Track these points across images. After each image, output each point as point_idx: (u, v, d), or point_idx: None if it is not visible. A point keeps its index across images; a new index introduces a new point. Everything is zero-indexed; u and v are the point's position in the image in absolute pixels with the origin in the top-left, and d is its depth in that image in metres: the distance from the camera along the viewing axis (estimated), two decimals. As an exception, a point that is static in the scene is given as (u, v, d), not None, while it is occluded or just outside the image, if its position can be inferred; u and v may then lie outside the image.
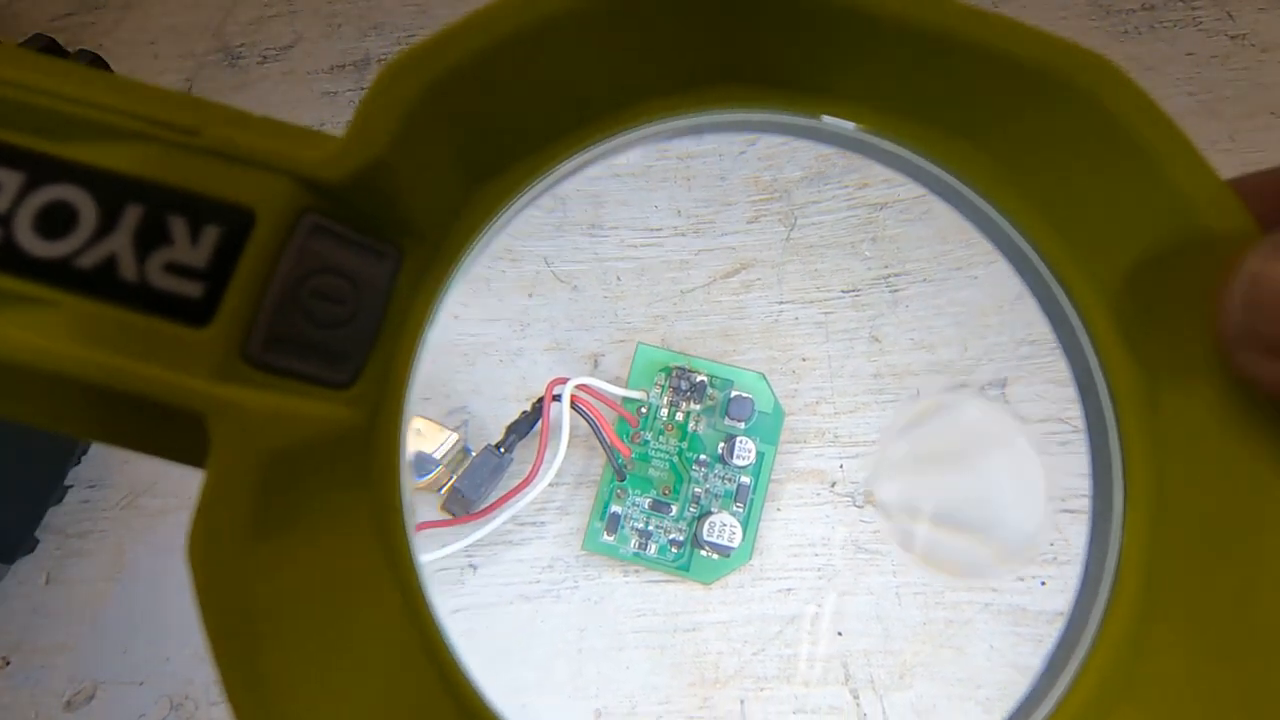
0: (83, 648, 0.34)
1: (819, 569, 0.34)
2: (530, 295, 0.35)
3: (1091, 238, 0.12)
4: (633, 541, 0.33)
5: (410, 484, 0.12)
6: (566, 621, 0.33)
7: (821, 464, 0.35)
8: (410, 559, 0.12)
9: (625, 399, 0.33)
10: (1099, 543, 0.12)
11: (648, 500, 0.33)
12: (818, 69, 0.13)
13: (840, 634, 0.33)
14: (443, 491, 0.31)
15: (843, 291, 0.38)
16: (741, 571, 0.33)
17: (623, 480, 0.33)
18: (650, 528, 0.33)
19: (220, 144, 0.10)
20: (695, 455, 0.33)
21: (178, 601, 0.34)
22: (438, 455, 0.31)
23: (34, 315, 0.10)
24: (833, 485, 0.35)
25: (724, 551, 0.33)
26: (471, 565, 0.33)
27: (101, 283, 0.10)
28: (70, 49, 0.38)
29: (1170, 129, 0.12)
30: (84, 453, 0.36)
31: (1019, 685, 0.12)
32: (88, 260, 0.10)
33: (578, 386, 0.31)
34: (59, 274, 0.10)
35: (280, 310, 0.10)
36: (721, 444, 0.33)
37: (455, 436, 0.31)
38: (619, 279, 0.36)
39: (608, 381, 0.33)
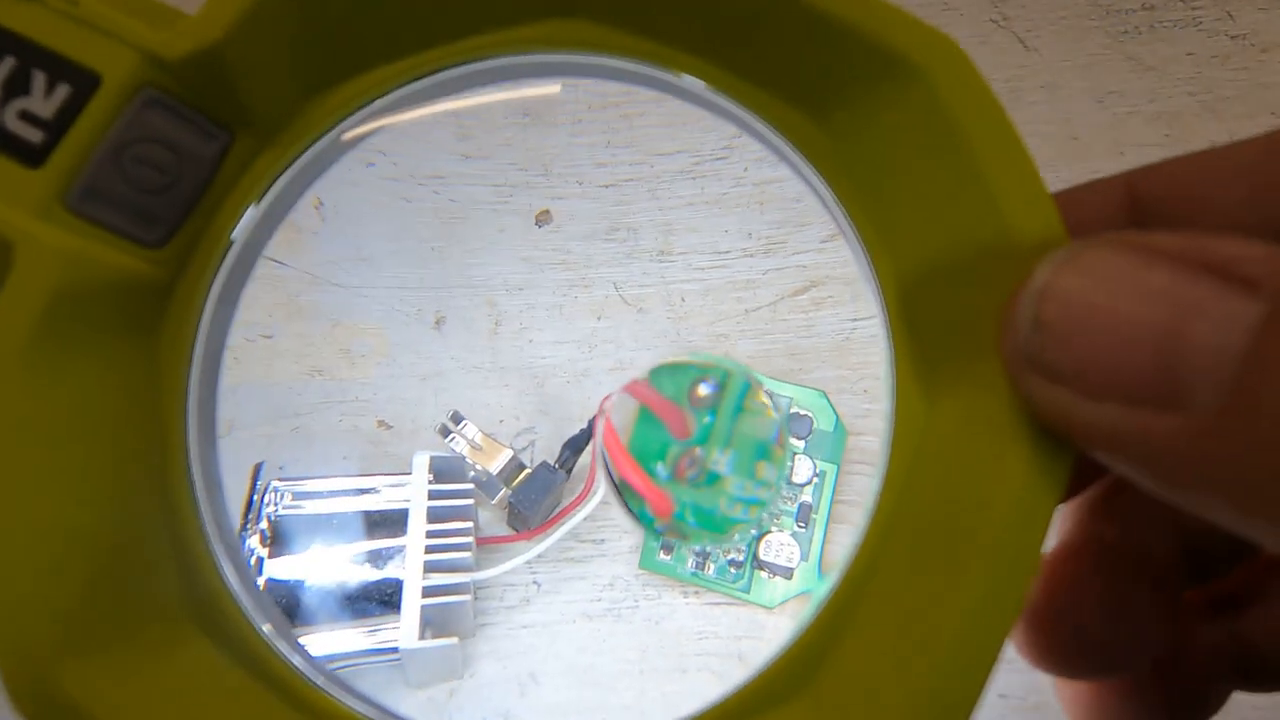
0: None
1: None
2: (599, 318, 0.36)
3: (902, 230, 0.11)
4: (689, 561, 0.31)
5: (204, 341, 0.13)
6: (629, 641, 0.32)
7: (893, 486, 0.32)
8: (183, 403, 0.12)
9: (685, 417, 0.33)
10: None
11: (704, 519, 0.32)
12: (660, 13, 0.12)
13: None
14: (494, 502, 0.31)
15: (923, 308, 0.35)
16: (806, 597, 0.31)
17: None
18: (707, 547, 0.31)
19: (91, 16, 0.11)
20: (754, 474, 0.32)
21: None
22: (494, 470, 0.31)
23: None
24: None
25: (784, 573, 0.31)
26: (536, 582, 0.33)
27: None
28: None
29: (999, 123, 0.11)
30: None
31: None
32: None
33: (623, 390, 0.31)
34: None
35: (104, 167, 0.11)
36: (783, 463, 0.32)
37: (510, 453, 0.31)
38: (683, 300, 0.35)
39: (665, 399, 0.32)
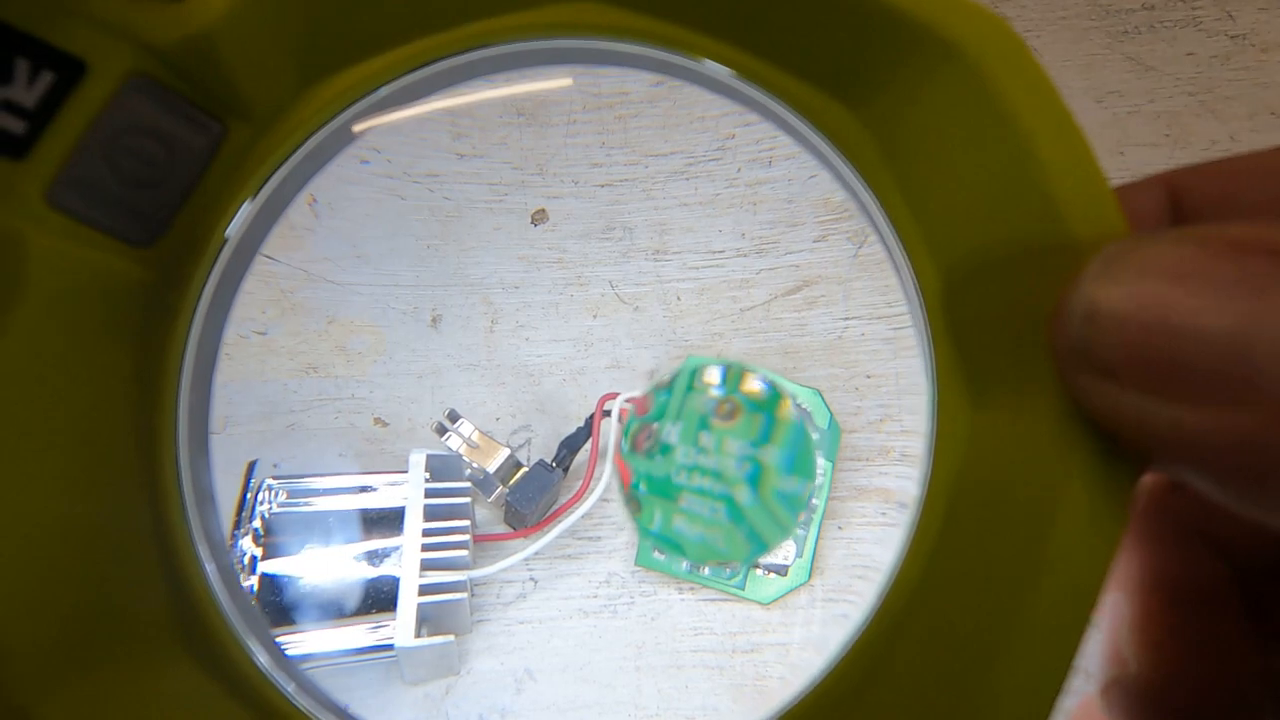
0: None
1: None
2: (595, 317, 0.35)
3: (944, 223, 0.10)
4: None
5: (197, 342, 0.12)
6: (624, 638, 0.32)
7: (887, 482, 0.32)
8: (173, 413, 0.11)
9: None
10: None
11: (699, 516, 0.31)
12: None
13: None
14: (490, 500, 0.31)
15: (914, 308, 0.35)
16: (801, 592, 0.31)
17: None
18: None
19: (76, 1, 0.10)
20: (750, 472, 0.31)
21: None
22: (491, 469, 0.30)
23: None
24: (901, 504, 0.32)
25: (779, 570, 0.30)
26: (532, 579, 0.32)
27: None
28: None
29: (1052, 107, 0.10)
30: None
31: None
32: None
33: (628, 401, 0.30)
34: None
35: (90, 160, 0.10)
36: (778, 461, 0.31)
37: (507, 451, 0.30)
38: (679, 299, 0.35)
39: (661, 398, 0.31)
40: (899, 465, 0.32)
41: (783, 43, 0.11)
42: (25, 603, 0.10)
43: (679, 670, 0.31)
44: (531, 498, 0.30)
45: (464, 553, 0.30)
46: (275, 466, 0.34)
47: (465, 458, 0.30)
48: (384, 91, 0.12)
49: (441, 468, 0.31)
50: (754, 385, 0.29)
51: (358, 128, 0.13)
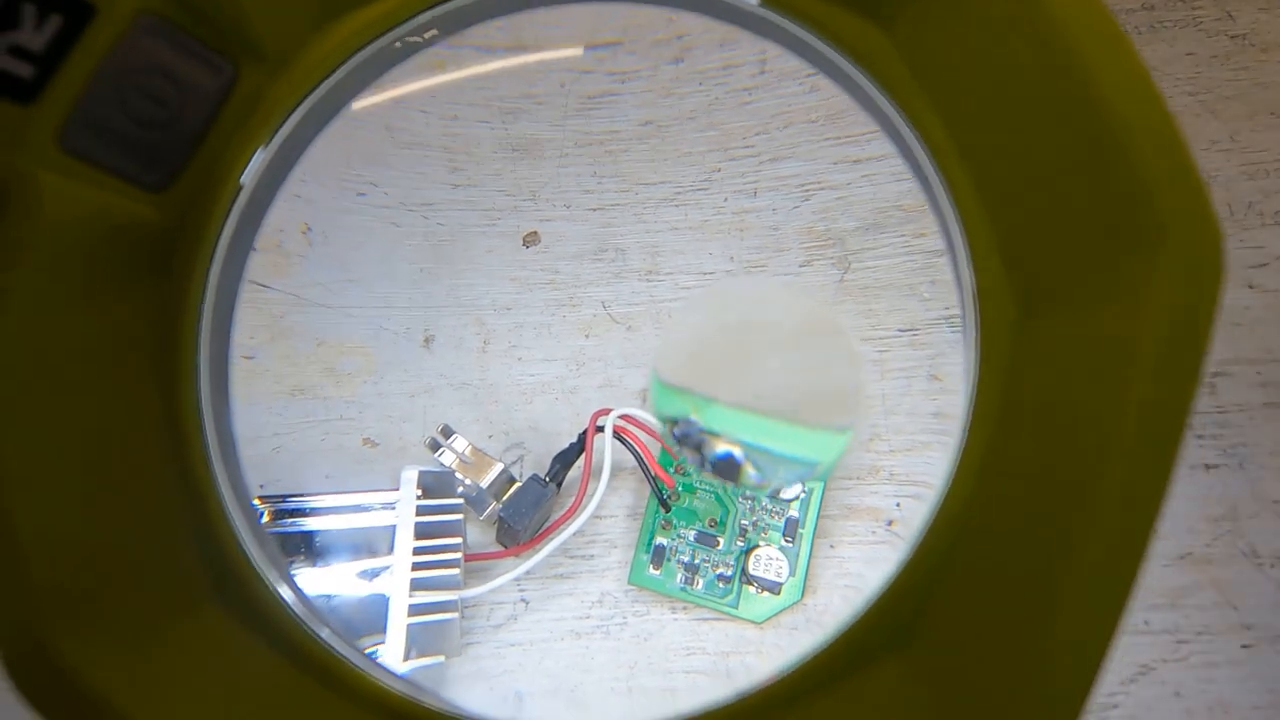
0: None
1: (877, 610, 0.30)
2: (587, 336, 0.34)
3: (983, 132, 0.10)
4: (679, 576, 0.30)
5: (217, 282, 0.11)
6: (617, 658, 0.30)
7: (877, 501, 0.32)
8: (194, 357, 0.10)
9: (674, 434, 0.31)
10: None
11: (693, 532, 0.30)
12: None
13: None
14: (482, 517, 0.30)
15: (900, 330, 0.35)
16: (794, 612, 0.30)
17: (668, 511, 0.30)
18: (697, 561, 0.30)
19: None
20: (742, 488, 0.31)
21: None
22: (484, 484, 0.30)
23: None
24: (889, 524, 0.31)
25: (772, 588, 0.29)
26: (524, 600, 0.31)
27: None
28: None
29: (1098, 14, 0.09)
30: None
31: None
32: None
33: (621, 417, 0.30)
34: None
35: (101, 102, 0.10)
36: (770, 478, 0.31)
37: (500, 466, 0.30)
38: (671, 318, 0.34)
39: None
40: (888, 484, 0.32)
41: None
42: (50, 543, 0.09)
43: (672, 692, 0.30)
44: (525, 513, 0.29)
45: (455, 571, 0.29)
46: (261, 487, 0.33)
47: (458, 474, 0.30)
48: (398, 31, 0.12)
49: (434, 484, 0.30)
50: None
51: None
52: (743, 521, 0.30)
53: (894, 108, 0.11)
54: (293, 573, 0.30)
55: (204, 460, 0.11)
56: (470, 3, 0.12)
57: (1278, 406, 0.32)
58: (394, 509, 0.30)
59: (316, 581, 0.30)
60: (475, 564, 0.31)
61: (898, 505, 0.31)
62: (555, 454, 0.31)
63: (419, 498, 0.30)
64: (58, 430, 0.10)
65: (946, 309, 0.35)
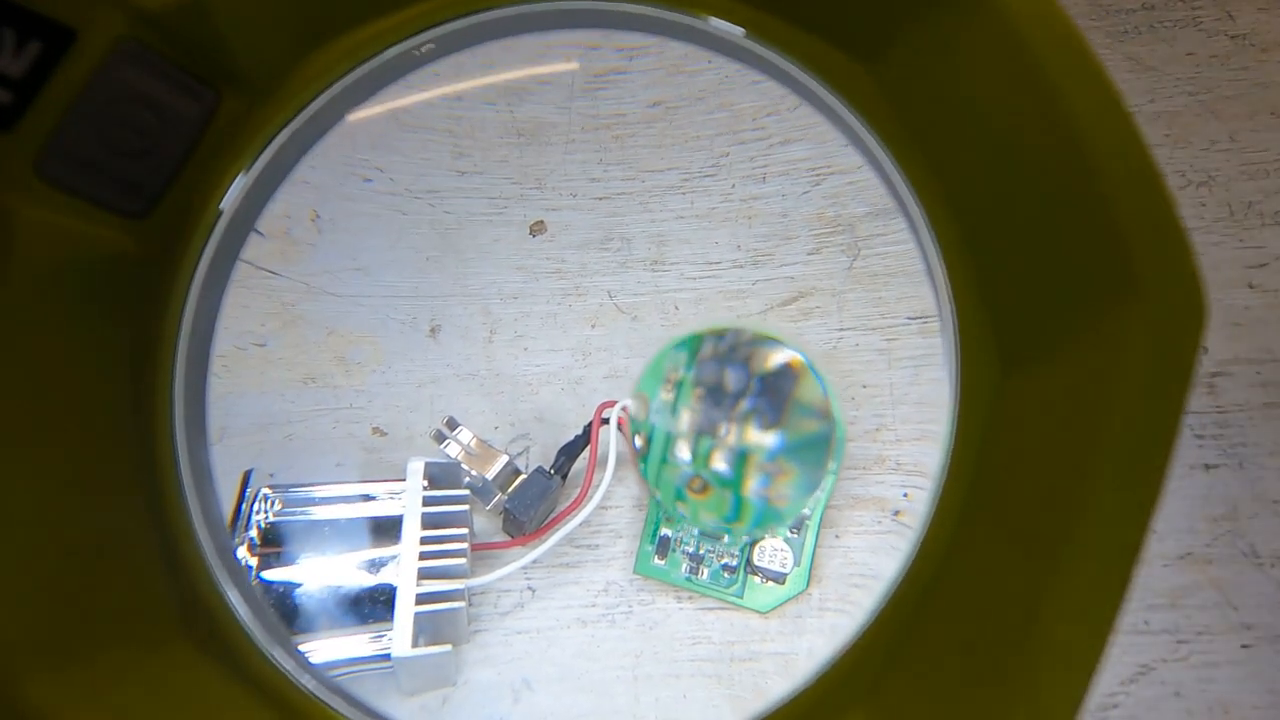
0: None
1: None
2: (593, 326, 0.34)
3: (966, 174, 0.10)
4: (684, 566, 0.30)
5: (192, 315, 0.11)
6: (622, 646, 0.30)
7: (883, 491, 0.31)
8: (168, 389, 0.10)
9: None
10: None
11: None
12: None
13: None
14: (488, 508, 0.29)
15: (909, 318, 0.34)
16: (799, 601, 0.30)
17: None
18: (702, 551, 0.30)
19: None
20: (748, 479, 0.30)
21: None
22: (490, 476, 0.29)
23: None
24: (895, 514, 0.31)
25: (777, 578, 0.29)
26: (530, 588, 0.31)
27: None
28: None
29: (1080, 53, 0.09)
30: None
31: None
32: None
33: (625, 408, 0.29)
34: None
35: (81, 130, 0.10)
36: (776, 469, 0.30)
37: (506, 458, 0.29)
38: (677, 308, 0.34)
39: (660, 406, 0.30)
40: (894, 474, 0.31)
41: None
42: (17, 590, 0.09)
43: (676, 679, 0.30)
44: (530, 504, 0.29)
45: (462, 561, 0.29)
46: (271, 476, 0.33)
47: (464, 465, 0.29)
48: (378, 60, 0.12)
49: (440, 475, 0.30)
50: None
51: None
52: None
53: (877, 142, 0.10)
54: (281, 573, 0.30)
55: (177, 493, 0.10)
56: (453, 31, 0.11)
57: (1278, 406, 0.31)
58: (401, 499, 0.30)
59: (323, 571, 0.29)
60: (482, 553, 0.31)
61: (905, 495, 0.31)
62: (561, 446, 0.30)
63: (426, 488, 0.29)
64: (27, 463, 0.09)
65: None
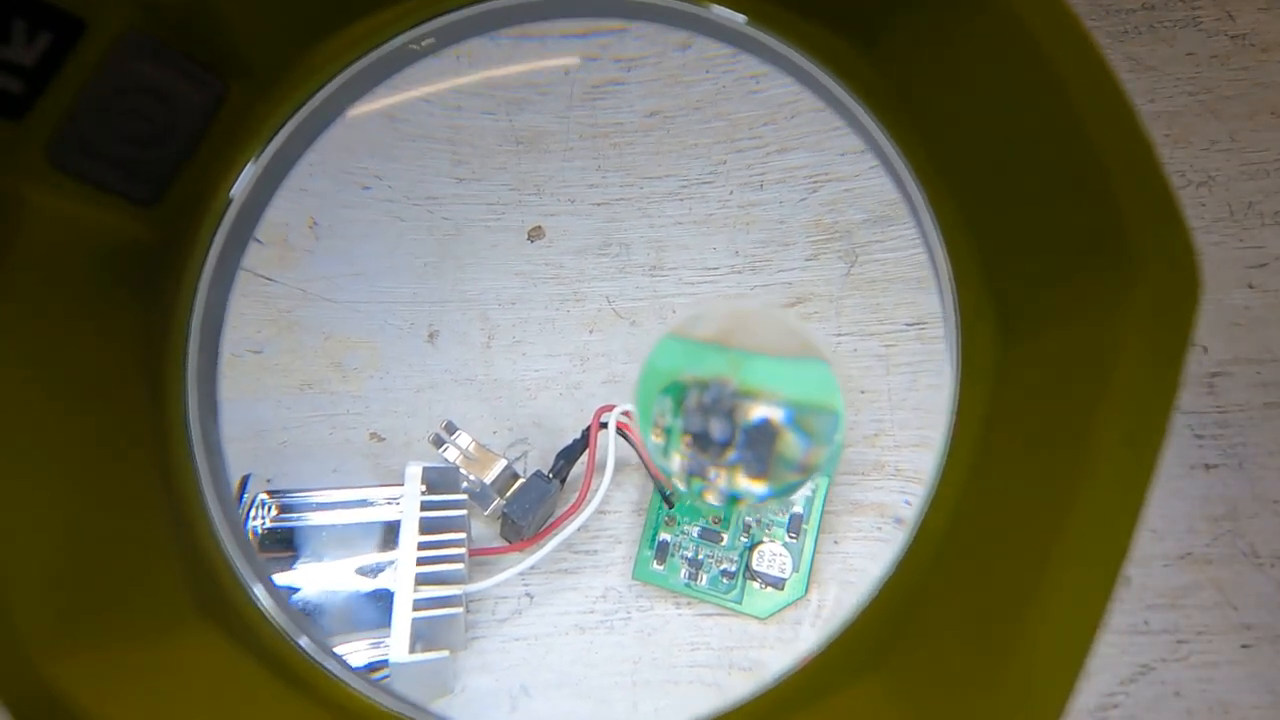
0: None
1: (881, 606, 0.29)
2: (591, 332, 0.34)
3: (966, 154, 0.10)
4: (683, 571, 0.29)
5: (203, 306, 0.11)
6: (621, 653, 0.30)
7: (882, 497, 0.31)
8: (180, 374, 0.10)
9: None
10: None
11: (697, 528, 0.30)
12: None
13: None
14: (487, 513, 0.29)
15: (907, 325, 0.34)
16: (798, 607, 0.29)
17: (671, 508, 0.30)
18: (700, 557, 0.29)
19: None
20: (747, 484, 0.30)
21: None
22: (488, 480, 0.29)
23: None
24: (896, 520, 0.31)
25: (776, 583, 0.29)
26: (528, 594, 0.31)
27: None
28: None
29: (1078, 37, 0.09)
30: None
31: None
32: None
33: (624, 413, 0.29)
34: None
35: (91, 119, 0.10)
36: (775, 474, 0.30)
37: (504, 462, 0.29)
38: (675, 313, 0.34)
39: (658, 410, 0.30)
40: (893, 480, 0.31)
41: None
42: (36, 564, 0.09)
43: (675, 686, 0.30)
44: (528, 509, 0.29)
45: (460, 566, 0.29)
46: (269, 481, 0.32)
47: (462, 469, 0.29)
48: (386, 48, 0.11)
49: (438, 480, 0.29)
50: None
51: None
52: (746, 518, 0.30)
53: (877, 125, 0.10)
54: (278, 578, 0.29)
55: (190, 471, 0.10)
56: (458, 20, 0.11)
57: (1278, 406, 0.31)
58: (399, 504, 0.29)
59: (321, 576, 0.29)
60: (480, 558, 0.30)
61: (907, 502, 0.31)
62: (559, 450, 0.30)
63: (423, 493, 0.29)
64: (43, 449, 0.09)
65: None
